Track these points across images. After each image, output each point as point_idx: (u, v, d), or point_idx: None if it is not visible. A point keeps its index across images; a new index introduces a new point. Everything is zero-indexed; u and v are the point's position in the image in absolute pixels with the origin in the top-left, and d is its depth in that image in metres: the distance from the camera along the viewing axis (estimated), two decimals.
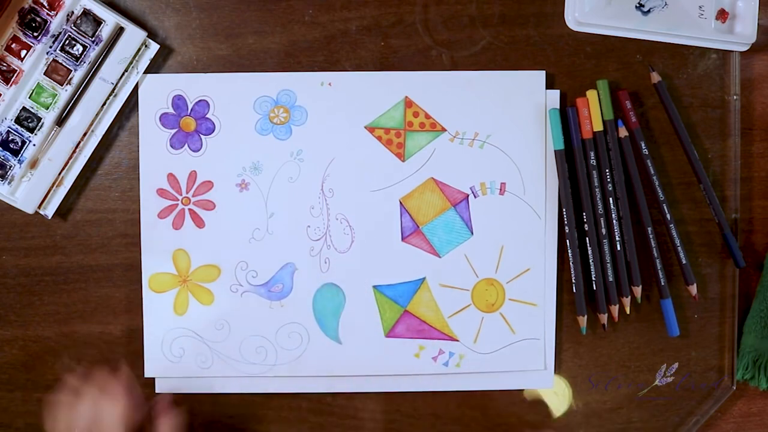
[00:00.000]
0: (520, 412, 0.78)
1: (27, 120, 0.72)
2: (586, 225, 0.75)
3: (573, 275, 0.75)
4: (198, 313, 0.76)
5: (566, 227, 0.75)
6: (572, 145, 0.75)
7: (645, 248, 0.76)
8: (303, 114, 0.75)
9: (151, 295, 0.75)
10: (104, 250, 0.76)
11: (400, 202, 0.76)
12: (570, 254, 0.75)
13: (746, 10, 0.76)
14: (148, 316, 0.75)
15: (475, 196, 0.76)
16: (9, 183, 0.73)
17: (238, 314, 0.76)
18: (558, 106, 0.75)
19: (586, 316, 0.76)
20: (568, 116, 0.75)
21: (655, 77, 0.76)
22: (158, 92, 0.75)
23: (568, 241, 0.75)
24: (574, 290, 0.75)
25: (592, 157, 0.75)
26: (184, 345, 0.75)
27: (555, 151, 0.75)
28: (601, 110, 0.75)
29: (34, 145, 0.73)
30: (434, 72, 0.75)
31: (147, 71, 0.74)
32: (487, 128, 0.76)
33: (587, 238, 0.75)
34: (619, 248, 0.75)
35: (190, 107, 0.75)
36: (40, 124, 0.73)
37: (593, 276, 0.75)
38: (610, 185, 0.75)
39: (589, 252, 0.75)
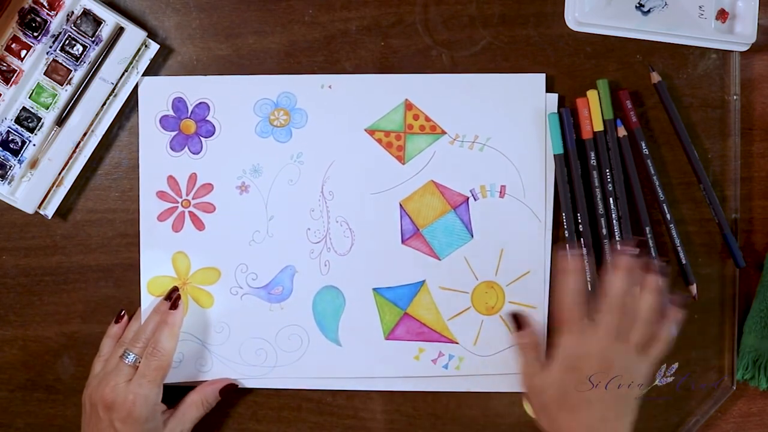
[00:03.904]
0: (519, 412, 0.78)
1: (27, 120, 0.72)
2: (583, 225, 0.75)
3: None
4: (197, 315, 0.76)
5: (566, 231, 0.75)
6: (573, 145, 0.75)
7: (645, 248, 0.76)
8: (303, 116, 0.75)
9: (150, 299, 0.75)
10: (104, 250, 0.76)
11: (400, 205, 0.76)
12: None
13: (746, 10, 0.76)
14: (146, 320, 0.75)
15: (475, 199, 0.76)
16: (9, 183, 0.73)
17: (238, 317, 0.76)
18: (557, 110, 0.75)
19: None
20: (567, 117, 0.75)
21: (655, 77, 0.75)
22: (158, 94, 0.74)
23: (567, 245, 0.75)
24: None
25: (592, 157, 0.75)
26: (183, 349, 0.75)
27: (554, 155, 0.75)
28: (601, 110, 0.75)
29: (34, 145, 0.73)
30: (434, 75, 0.75)
31: (147, 71, 0.74)
32: (487, 131, 0.75)
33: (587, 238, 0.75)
34: (619, 248, 0.75)
35: (190, 109, 0.75)
36: (40, 124, 0.73)
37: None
38: (609, 185, 0.75)
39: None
